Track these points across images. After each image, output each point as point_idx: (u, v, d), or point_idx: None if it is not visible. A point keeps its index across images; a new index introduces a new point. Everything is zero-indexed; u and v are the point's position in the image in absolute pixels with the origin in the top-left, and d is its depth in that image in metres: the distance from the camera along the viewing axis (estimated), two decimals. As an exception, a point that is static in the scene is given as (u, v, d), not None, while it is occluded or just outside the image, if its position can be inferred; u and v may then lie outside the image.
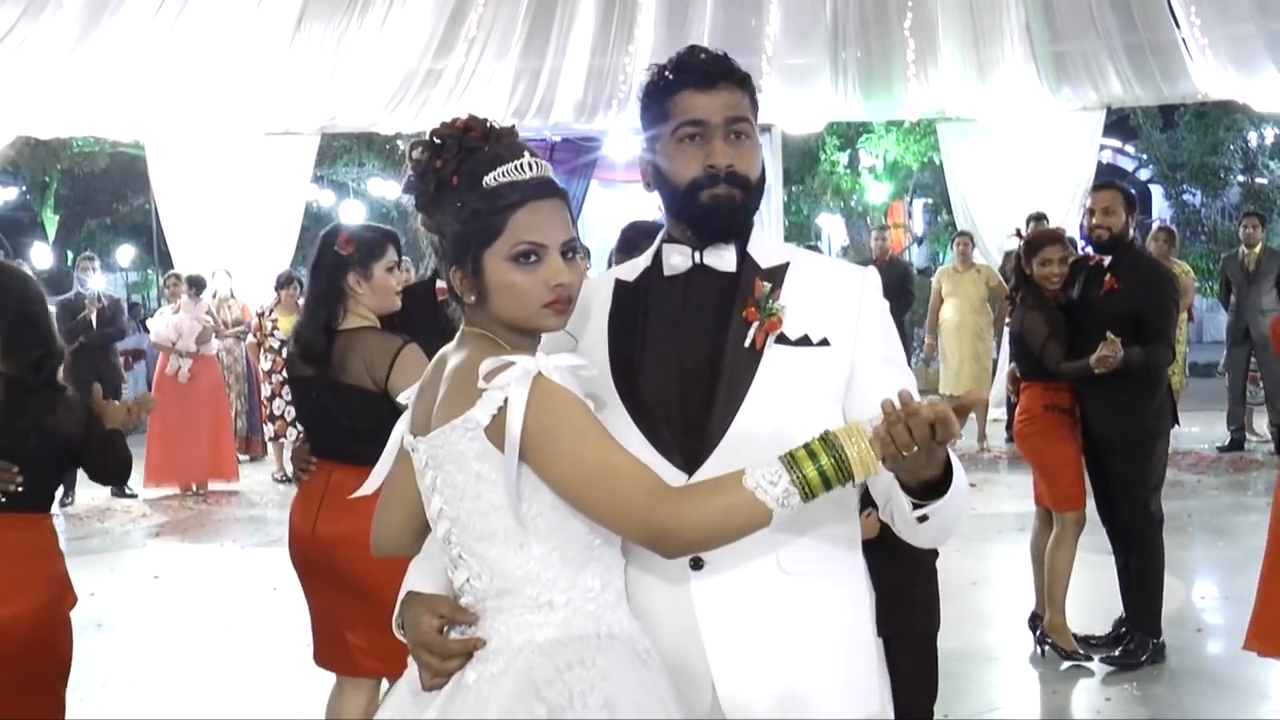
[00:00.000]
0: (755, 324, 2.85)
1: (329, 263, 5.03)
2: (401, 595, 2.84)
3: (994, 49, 16.00)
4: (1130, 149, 28.47)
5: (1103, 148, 25.13)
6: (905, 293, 16.40)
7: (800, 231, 23.19)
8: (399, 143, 20.56)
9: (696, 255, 2.92)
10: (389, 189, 23.09)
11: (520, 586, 2.69)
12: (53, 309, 5.13)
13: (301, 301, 7.74)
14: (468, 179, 2.75)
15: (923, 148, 21.38)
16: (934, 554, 4.99)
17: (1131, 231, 7.14)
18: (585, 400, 2.68)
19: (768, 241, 3.02)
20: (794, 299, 2.89)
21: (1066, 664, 7.31)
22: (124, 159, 21.09)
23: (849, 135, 22.88)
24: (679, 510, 2.60)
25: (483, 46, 16.00)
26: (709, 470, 2.74)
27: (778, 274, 2.92)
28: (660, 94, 2.93)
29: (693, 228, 2.92)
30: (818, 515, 2.76)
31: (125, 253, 30.05)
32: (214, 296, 15.06)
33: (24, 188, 24.89)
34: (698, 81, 2.89)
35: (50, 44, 14.43)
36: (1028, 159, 17.35)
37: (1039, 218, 15.28)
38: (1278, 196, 24.07)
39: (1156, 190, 27.47)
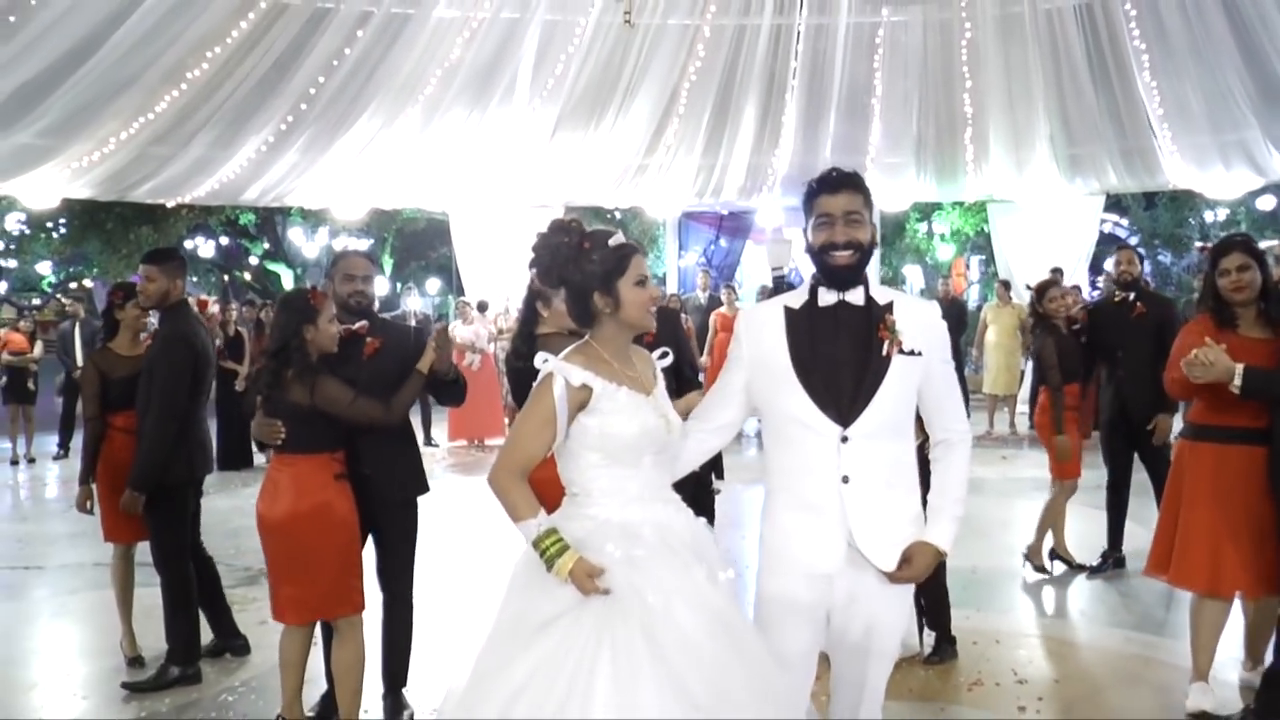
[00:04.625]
0: (887, 340, 3.08)
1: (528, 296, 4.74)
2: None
3: (1028, 151, 15.57)
4: (1124, 222, 27.76)
5: (1104, 220, 24.52)
6: (961, 322, 16.26)
7: (890, 279, 22.94)
8: (615, 214, 20.71)
9: (840, 295, 3.14)
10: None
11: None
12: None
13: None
14: (596, 243, 3.06)
15: (977, 220, 21.02)
16: None
17: (1144, 276, 7.54)
18: (562, 396, 2.98)
19: (877, 287, 3.20)
20: (903, 325, 3.10)
21: (1062, 572, 7.34)
22: (435, 222, 21.47)
23: (926, 211, 22.62)
24: (497, 475, 3.02)
25: (676, 149, 15.85)
26: (858, 425, 3.07)
27: (890, 308, 3.13)
28: (809, 196, 3.19)
29: (826, 278, 3.14)
30: (903, 470, 3.16)
31: (432, 284, 30.63)
32: (494, 315, 15.45)
33: (372, 240, 25.59)
34: (829, 190, 3.14)
35: (392, 147, 14.68)
36: (1050, 228, 16.96)
37: (1056, 270, 15.05)
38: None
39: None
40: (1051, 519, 7.38)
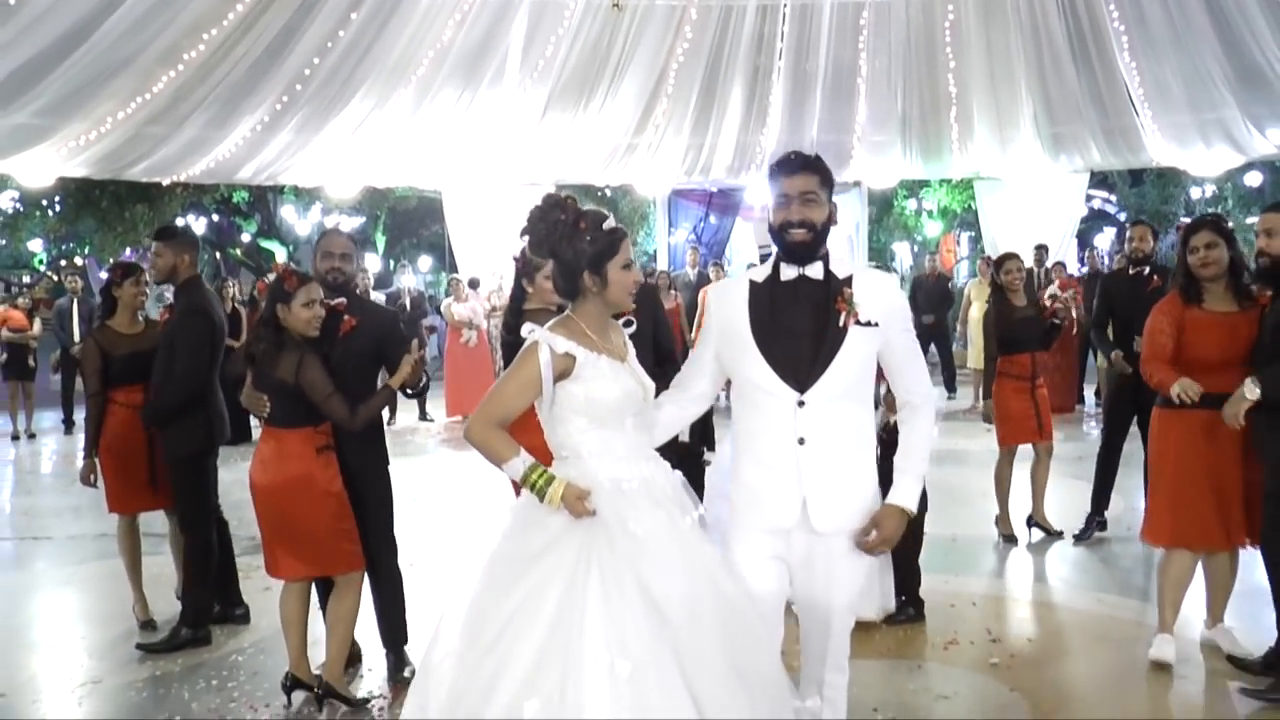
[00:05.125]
0: (844, 312, 3.27)
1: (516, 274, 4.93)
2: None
3: (1012, 130, 15.79)
4: (1114, 199, 27.97)
5: (1092, 197, 24.76)
6: (947, 298, 16.44)
7: (879, 254, 23.06)
8: (606, 191, 20.84)
9: (801, 270, 3.34)
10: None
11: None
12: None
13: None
14: (591, 224, 3.24)
15: (964, 198, 21.15)
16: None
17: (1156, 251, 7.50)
18: (548, 363, 3.17)
19: (840, 260, 3.39)
20: (860, 297, 3.29)
21: (1050, 542, 7.55)
22: (428, 200, 21.55)
23: (913, 188, 22.77)
24: (475, 426, 3.21)
25: (665, 127, 16.03)
26: (814, 391, 3.27)
27: (849, 281, 3.33)
28: (770, 178, 3.40)
29: (784, 254, 3.36)
30: (857, 433, 3.36)
31: (424, 262, 30.69)
32: (488, 292, 15.59)
33: (364, 218, 25.71)
34: (786, 172, 3.35)
35: (384, 127, 14.82)
36: (1035, 206, 17.19)
37: (1042, 247, 15.25)
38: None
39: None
40: (1001, 486, 7.61)
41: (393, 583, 5.20)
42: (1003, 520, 7.63)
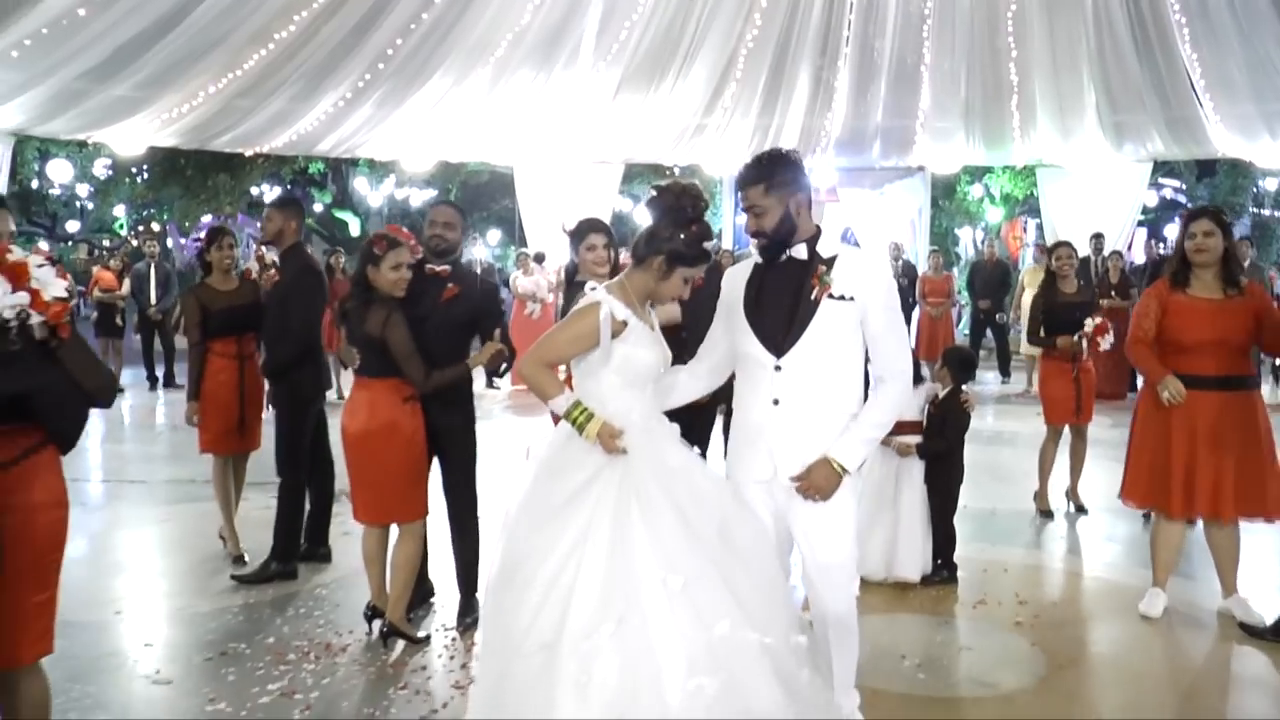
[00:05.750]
0: (817, 287, 3.64)
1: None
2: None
3: (1075, 119, 15.90)
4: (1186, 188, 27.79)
5: (1163, 187, 24.66)
6: (1005, 284, 16.60)
7: (941, 239, 23.07)
8: (674, 170, 21.14)
9: (789, 252, 3.73)
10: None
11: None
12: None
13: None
14: (699, 231, 3.65)
15: (1026, 185, 21.13)
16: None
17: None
18: (606, 320, 3.53)
19: (829, 241, 3.75)
20: (839, 275, 3.66)
21: (1080, 517, 7.85)
22: (499, 175, 21.93)
23: (977, 174, 22.80)
24: (529, 365, 3.59)
25: (733, 110, 16.28)
26: (789, 357, 3.65)
27: (831, 261, 3.69)
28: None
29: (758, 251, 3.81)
30: (833, 399, 3.70)
31: (493, 235, 31.14)
32: (557, 267, 15.88)
33: (436, 191, 26.24)
34: (737, 187, 3.80)
35: (462, 104, 15.26)
36: (1097, 195, 17.31)
37: (1099, 236, 15.38)
38: (1276, 226, 23.51)
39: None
40: (1044, 464, 7.94)
41: (470, 533, 5.56)
42: (1041, 496, 7.95)
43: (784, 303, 3.67)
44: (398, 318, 5.04)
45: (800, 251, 3.71)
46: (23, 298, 3.10)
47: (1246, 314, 5.34)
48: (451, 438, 5.46)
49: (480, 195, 28.67)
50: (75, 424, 3.38)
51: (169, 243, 26.44)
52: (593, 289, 3.66)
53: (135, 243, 24.45)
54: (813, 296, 3.64)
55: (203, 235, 7.02)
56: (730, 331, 3.82)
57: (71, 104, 13.53)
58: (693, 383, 3.96)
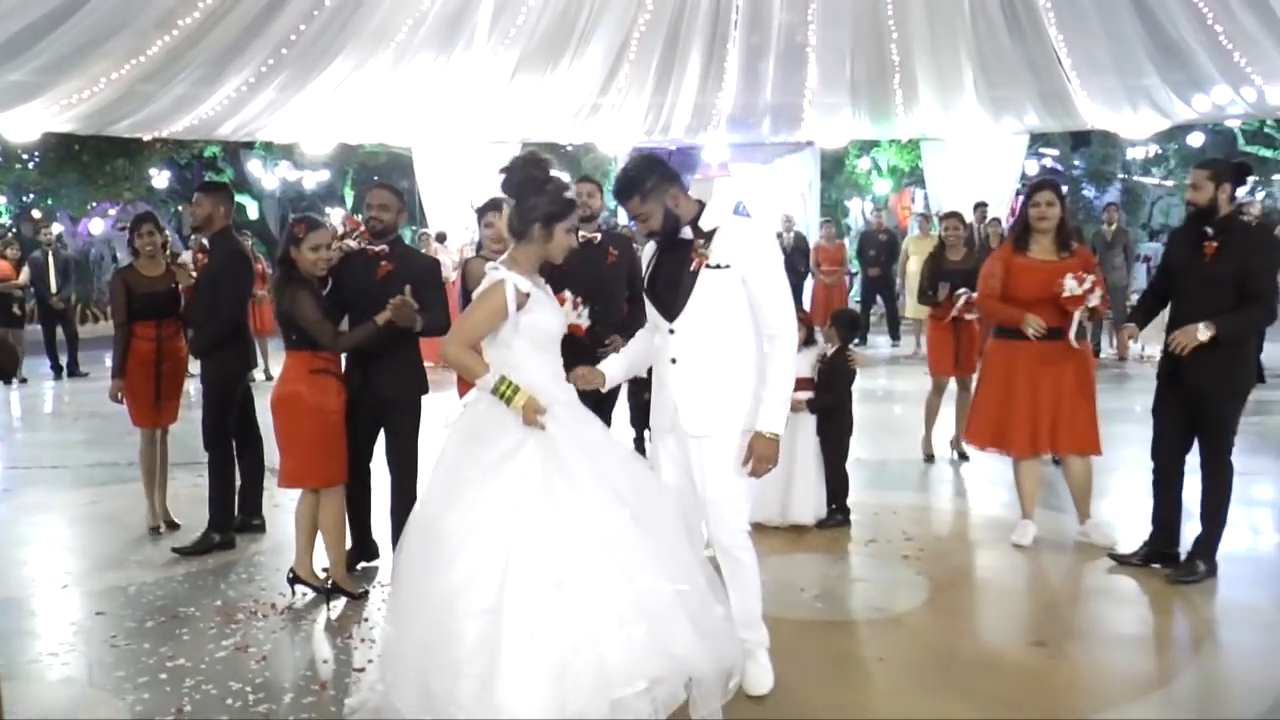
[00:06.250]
0: (695, 259, 4.07)
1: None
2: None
3: (955, 94, 16.50)
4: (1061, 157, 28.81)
5: (1043, 155, 25.62)
6: (893, 252, 17.28)
7: (831, 210, 23.51)
8: (568, 148, 21.36)
9: (678, 235, 4.15)
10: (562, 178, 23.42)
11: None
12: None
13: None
14: (556, 187, 3.97)
15: (912, 157, 21.69)
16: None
17: (1221, 198, 5.54)
18: (512, 296, 3.78)
19: (714, 215, 4.12)
20: (718, 245, 4.08)
21: (963, 464, 8.48)
22: (396, 156, 21.94)
23: (864, 148, 23.37)
24: (451, 348, 3.84)
25: (627, 90, 16.55)
26: (679, 322, 4.06)
27: (711, 234, 4.11)
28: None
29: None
30: (724, 357, 4.08)
31: (393, 215, 30.95)
32: (460, 245, 16.02)
33: (331, 174, 26.23)
34: (618, 201, 4.18)
35: (362, 88, 15.33)
36: (978, 165, 17.98)
37: (982, 204, 16.11)
38: (1141, 192, 24.60)
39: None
40: (929, 414, 8.63)
41: (409, 499, 5.60)
42: (925, 442, 8.64)
43: (674, 275, 4.08)
44: (302, 293, 5.35)
45: (687, 233, 4.11)
46: None
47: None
48: (396, 408, 5.77)
49: (378, 176, 28.64)
50: None
51: (57, 229, 25.94)
52: (494, 268, 3.94)
53: (15, 230, 23.95)
54: (692, 268, 4.05)
55: (95, 221, 7.29)
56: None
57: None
58: (649, 347, 4.34)
